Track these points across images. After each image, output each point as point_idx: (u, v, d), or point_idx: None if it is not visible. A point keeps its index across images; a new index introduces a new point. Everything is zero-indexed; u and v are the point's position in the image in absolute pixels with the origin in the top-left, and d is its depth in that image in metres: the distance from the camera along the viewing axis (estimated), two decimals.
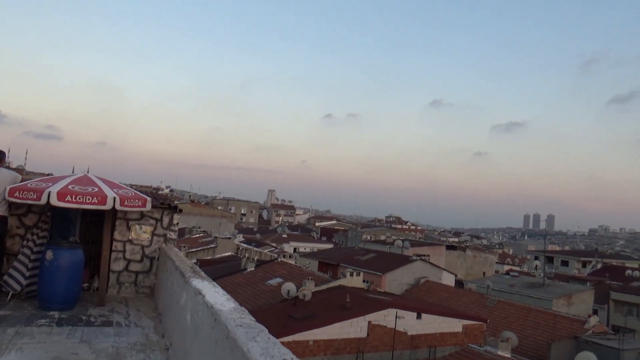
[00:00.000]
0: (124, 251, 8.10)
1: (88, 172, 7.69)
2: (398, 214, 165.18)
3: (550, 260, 79.31)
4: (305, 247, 72.39)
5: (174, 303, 5.55)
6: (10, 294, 6.77)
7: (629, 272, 60.96)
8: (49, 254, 6.62)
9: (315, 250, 60.21)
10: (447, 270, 42.39)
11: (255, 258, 39.40)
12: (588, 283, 49.03)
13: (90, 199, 6.47)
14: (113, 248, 7.95)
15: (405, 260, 39.87)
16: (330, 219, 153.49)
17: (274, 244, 62.51)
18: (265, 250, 50.21)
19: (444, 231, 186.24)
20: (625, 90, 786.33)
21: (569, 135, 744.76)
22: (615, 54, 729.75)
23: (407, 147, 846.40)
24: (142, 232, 8.22)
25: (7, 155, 8.22)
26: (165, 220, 8.45)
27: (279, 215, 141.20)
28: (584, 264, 75.57)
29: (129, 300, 7.64)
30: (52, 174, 8.10)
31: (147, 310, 7.09)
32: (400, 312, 19.78)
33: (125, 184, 8.05)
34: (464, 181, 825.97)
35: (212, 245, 48.25)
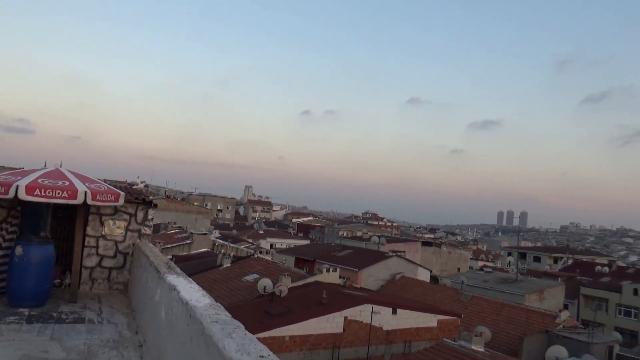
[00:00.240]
0: (97, 247, 7.94)
1: (61, 166, 7.51)
2: (375, 210, 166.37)
3: (523, 256, 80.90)
4: (281, 243, 72.26)
5: (148, 299, 5.46)
6: None
7: (598, 268, 62.67)
8: (19, 250, 6.45)
9: (292, 246, 60.11)
10: (422, 266, 42.85)
11: (232, 254, 39.14)
12: (559, 279, 50.20)
13: (60, 193, 6.31)
14: (86, 243, 7.79)
15: (381, 256, 40.15)
16: (307, 215, 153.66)
17: (251, 240, 62.24)
18: (242, 247, 49.93)
19: (419, 228, 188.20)
20: (598, 90, 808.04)
21: (543, 133, 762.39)
22: (588, 54, 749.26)
23: (385, 144, 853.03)
24: (115, 228, 8.07)
25: None
26: (140, 215, 8.31)
27: (255, 211, 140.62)
28: (556, 260, 77.36)
29: (102, 297, 7.50)
30: (23, 168, 7.88)
31: (120, 306, 6.97)
32: (376, 308, 19.92)
33: (99, 179, 7.89)
34: (440, 178, 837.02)
35: (188, 241, 47.72)
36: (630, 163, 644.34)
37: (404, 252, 49.13)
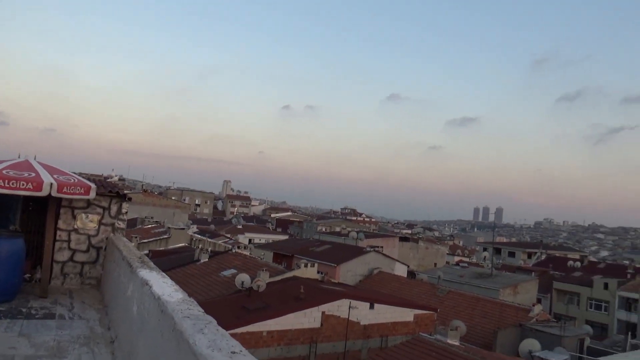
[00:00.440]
0: (68, 241, 7.76)
1: (35, 158, 7.30)
2: (353, 206, 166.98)
3: (498, 251, 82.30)
4: (260, 238, 72.03)
5: (120, 294, 5.36)
6: None
7: (570, 262, 64.17)
8: None
9: (271, 241, 60.00)
10: (399, 262, 43.23)
11: (209, 249, 38.84)
12: (533, 273, 51.26)
13: (25, 185, 6.13)
14: (57, 237, 7.60)
15: (359, 251, 40.35)
16: (286, 210, 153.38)
17: (229, 235, 61.88)
18: (220, 241, 49.60)
19: (397, 223, 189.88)
20: (573, 89, 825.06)
21: (519, 131, 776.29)
22: (564, 54, 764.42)
23: (364, 139, 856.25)
24: (88, 221, 7.90)
25: None
26: (114, 208, 8.15)
27: (234, 206, 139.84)
28: (530, 255, 78.93)
29: (74, 292, 7.34)
30: None
31: (92, 302, 6.82)
32: (354, 303, 20.01)
33: (74, 172, 7.70)
34: (419, 174, 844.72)
35: (165, 236, 47.20)
36: (602, 161, 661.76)
37: (382, 247, 49.50)
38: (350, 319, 19.81)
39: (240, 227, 79.16)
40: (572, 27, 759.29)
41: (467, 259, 73.77)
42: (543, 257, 74.64)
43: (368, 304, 20.96)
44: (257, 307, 18.81)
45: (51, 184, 6.36)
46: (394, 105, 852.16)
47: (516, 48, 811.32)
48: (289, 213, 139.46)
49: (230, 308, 18.98)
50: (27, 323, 5.51)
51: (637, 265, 75.65)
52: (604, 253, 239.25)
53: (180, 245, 44.66)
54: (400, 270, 41.19)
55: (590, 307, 49.47)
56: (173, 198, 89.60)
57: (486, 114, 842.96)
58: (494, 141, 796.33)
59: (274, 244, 50.71)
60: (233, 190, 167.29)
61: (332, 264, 36.59)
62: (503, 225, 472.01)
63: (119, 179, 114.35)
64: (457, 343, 18.77)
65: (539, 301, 40.30)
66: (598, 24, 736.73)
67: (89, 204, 7.88)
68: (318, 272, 29.97)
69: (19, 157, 7.39)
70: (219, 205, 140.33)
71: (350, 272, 37.18)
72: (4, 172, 6.15)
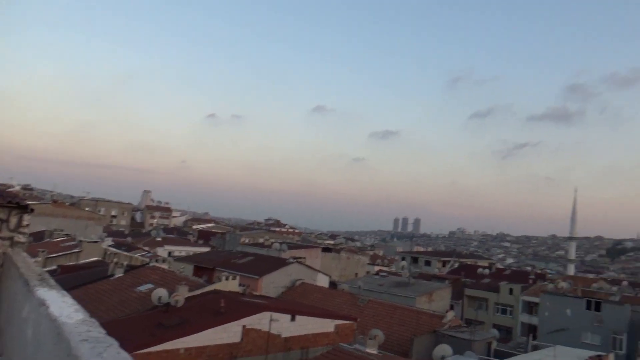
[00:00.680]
0: None
1: None
2: (278, 217, 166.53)
3: (415, 260, 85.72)
4: (180, 250, 69.78)
5: (15, 316, 4.97)
6: None
7: (480, 270, 68.20)
8: None
9: (192, 254, 58.22)
10: (322, 272, 43.63)
11: (125, 263, 36.93)
12: (447, 281, 53.85)
13: None
14: None
15: (282, 263, 40.26)
16: (209, 221, 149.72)
17: (147, 248, 59.30)
18: (137, 255, 47.38)
19: (320, 234, 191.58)
20: (484, 107, 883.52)
21: (436, 145, 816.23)
22: (477, 73, 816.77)
23: (290, 150, 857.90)
24: None
25: None
26: (13, 221, 7.56)
27: (153, 217, 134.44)
28: (444, 264, 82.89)
29: None
30: None
31: None
32: (275, 315, 19.90)
33: None
34: (342, 185, 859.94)
35: (76, 250, 44.29)
36: (509, 174, 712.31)
37: (305, 258, 49.69)
38: (271, 332, 19.67)
39: (159, 239, 76.13)
40: (484, 48, 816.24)
41: (386, 269, 75.92)
42: (456, 265, 78.67)
43: (289, 316, 20.93)
44: (174, 324, 18.15)
45: None
46: (320, 116, 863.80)
47: (435, 66, 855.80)
48: (212, 224, 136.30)
49: (146, 325, 18.16)
50: None
51: (538, 271, 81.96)
52: (510, 260, 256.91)
53: (93, 259, 42.13)
54: (322, 281, 41.57)
55: (497, 312, 52.80)
56: (87, 209, 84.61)
57: (407, 128, 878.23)
58: (413, 154, 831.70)
59: (195, 257, 49.26)
60: (153, 201, 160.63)
61: (255, 276, 36.19)
62: (421, 235, 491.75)
63: (24, 189, 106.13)
64: (375, 352, 19.25)
65: (452, 307, 42.37)
66: (506, 46, 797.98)
67: None
68: (240, 285, 29.50)
69: None
70: (138, 216, 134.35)
71: (272, 284, 36.95)
72: None
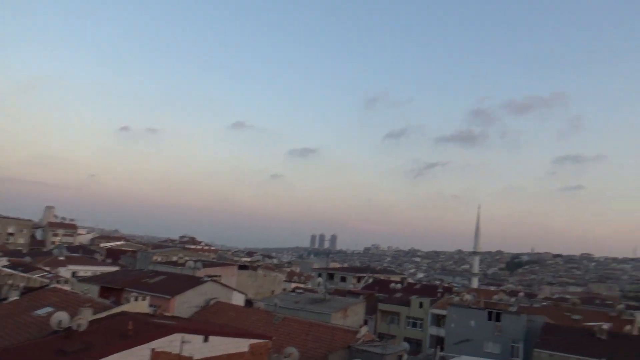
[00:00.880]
0: None
1: None
2: (193, 234, 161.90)
3: (331, 277, 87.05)
4: (86, 270, 65.82)
5: None
6: None
7: (393, 285, 70.73)
8: None
9: (98, 273, 54.97)
10: (237, 290, 43.04)
11: (22, 285, 34.09)
12: (361, 296, 55.23)
13: None
14: None
15: (196, 281, 39.22)
16: (118, 239, 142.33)
17: (48, 268, 55.25)
18: (36, 276, 43.95)
19: (237, 251, 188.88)
20: (398, 127, 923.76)
21: (353, 163, 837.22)
22: (392, 95, 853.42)
23: (207, 166, 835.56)
24: None
25: None
26: None
27: (56, 235, 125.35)
28: (359, 279, 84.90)
29: None
30: None
31: None
32: (187, 337, 19.34)
33: None
34: (260, 202, 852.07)
35: None
36: (420, 192, 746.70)
37: (220, 276, 48.79)
38: (182, 354, 19.07)
39: (62, 258, 71.18)
40: (399, 71, 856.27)
41: (303, 285, 76.37)
42: (370, 280, 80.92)
43: (202, 337, 20.42)
44: (76, 349, 17.06)
45: None
46: (239, 132, 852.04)
47: (353, 86, 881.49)
48: (122, 242, 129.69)
49: (44, 353, 16.92)
50: None
51: (446, 285, 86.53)
52: (420, 275, 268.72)
53: None
54: (238, 299, 41.00)
55: (409, 325, 54.94)
56: None
57: (325, 145, 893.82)
58: (331, 172, 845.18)
59: (102, 277, 46.58)
60: (56, 217, 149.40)
61: (167, 296, 34.93)
62: (337, 252, 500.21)
63: None
64: None
65: (365, 322, 43.53)
66: (420, 71, 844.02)
67: None
68: (150, 306, 28.29)
69: None
70: (38, 234, 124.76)
71: (186, 303, 35.86)
72: None
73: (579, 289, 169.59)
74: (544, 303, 67.11)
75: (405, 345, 34.01)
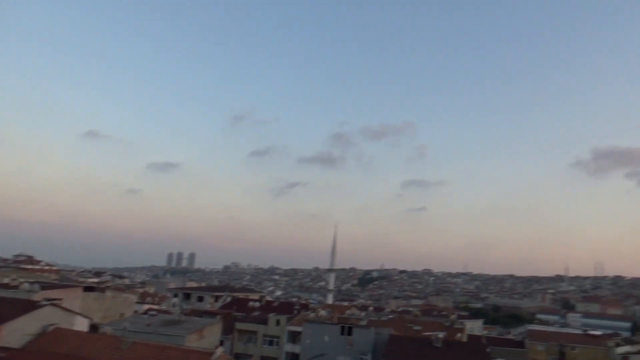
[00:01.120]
0: None
1: None
2: (30, 252, 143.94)
3: (188, 296, 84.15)
4: None
5: None
6: None
7: (251, 303, 70.72)
8: None
9: None
10: (81, 315, 39.48)
11: None
12: (218, 316, 54.31)
13: None
14: None
15: (31, 306, 35.10)
16: None
17: None
18: None
19: (84, 271, 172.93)
20: (263, 146, 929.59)
21: (216, 180, 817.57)
22: (258, 113, 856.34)
23: (52, 177, 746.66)
24: None
25: None
26: None
27: None
28: (217, 299, 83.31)
29: None
30: None
31: None
32: None
33: None
34: (113, 218, 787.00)
35: None
36: (282, 210, 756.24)
37: (62, 299, 44.30)
38: None
39: None
40: (266, 90, 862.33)
41: (157, 307, 72.66)
42: (229, 299, 79.89)
43: None
44: None
45: None
46: (93, 142, 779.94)
47: (219, 102, 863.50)
48: None
49: None
50: None
51: (303, 302, 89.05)
52: (279, 292, 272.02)
53: None
54: (82, 325, 37.61)
55: (265, 344, 55.32)
56: None
57: (188, 160, 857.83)
58: (193, 188, 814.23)
59: None
60: None
61: None
62: (195, 270, 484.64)
63: None
64: None
65: (221, 343, 42.93)
66: (285, 91, 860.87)
67: None
68: None
69: None
70: None
71: (18, 331, 31.90)
72: None
73: (420, 302, 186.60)
74: (390, 316, 72.67)
75: None
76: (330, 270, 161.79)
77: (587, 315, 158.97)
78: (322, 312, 65.57)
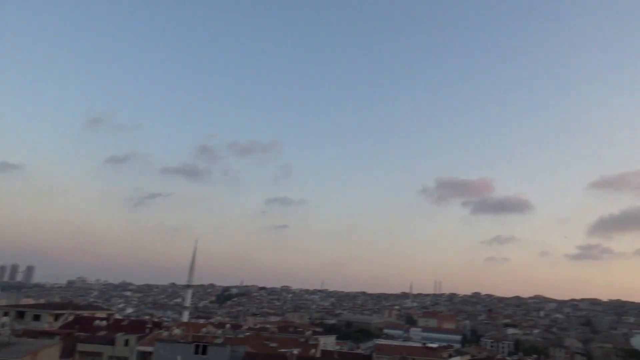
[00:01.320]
0: None
1: None
2: None
3: (21, 315, 74.75)
4: None
5: None
6: None
7: (97, 322, 65.38)
8: None
9: None
10: None
11: None
12: (57, 337, 49.39)
13: None
14: None
15: None
16: None
17: None
18: None
19: None
20: (122, 153, 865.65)
21: (66, 185, 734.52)
22: (119, 118, 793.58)
23: None
24: None
25: None
26: None
27: None
28: (57, 317, 75.23)
29: None
30: None
31: None
32: None
33: None
34: None
35: None
36: (138, 222, 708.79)
37: None
38: None
39: None
40: (128, 94, 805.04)
41: None
42: (71, 318, 72.78)
43: None
44: None
45: None
46: None
47: (73, 101, 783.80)
48: None
49: None
50: None
51: (156, 320, 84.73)
52: (130, 310, 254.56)
53: None
54: None
55: None
56: None
57: (32, 162, 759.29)
58: (37, 193, 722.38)
59: None
60: None
61: None
62: (33, 285, 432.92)
63: None
64: None
65: None
66: (150, 98, 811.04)
67: None
68: None
69: None
70: None
71: None
72: None
73: (278, 319, 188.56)
74: (247, 333, 72.51)
75: None
76: (187, 287, 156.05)
77: (426, 329, 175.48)
78: (176, 331, 63.16)
